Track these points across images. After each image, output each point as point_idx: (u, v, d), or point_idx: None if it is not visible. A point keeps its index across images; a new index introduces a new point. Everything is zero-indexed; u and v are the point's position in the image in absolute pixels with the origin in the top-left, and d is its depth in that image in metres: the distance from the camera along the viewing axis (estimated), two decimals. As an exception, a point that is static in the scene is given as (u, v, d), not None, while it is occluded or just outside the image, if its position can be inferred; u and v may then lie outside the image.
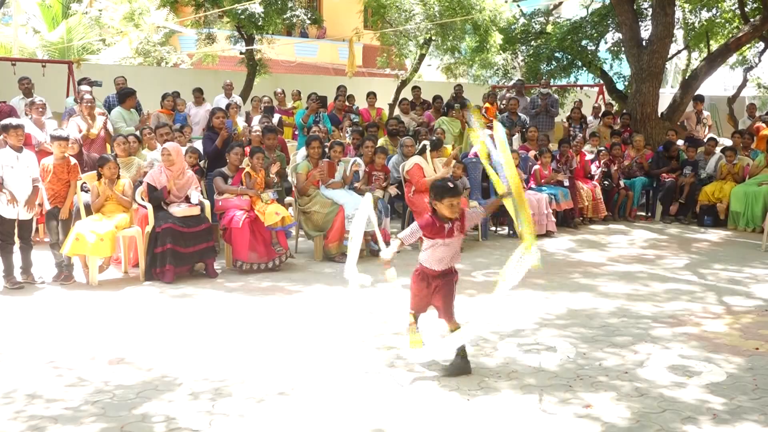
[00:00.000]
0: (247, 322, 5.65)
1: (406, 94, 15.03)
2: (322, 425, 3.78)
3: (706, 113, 13.83)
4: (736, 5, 14.94)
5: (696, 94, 13.57)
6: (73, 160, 7.12)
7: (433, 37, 16.99)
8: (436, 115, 12.50)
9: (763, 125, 12.39)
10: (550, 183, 10.17)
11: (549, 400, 4.13)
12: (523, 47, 16.91)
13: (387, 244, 8.22)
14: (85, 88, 10.24)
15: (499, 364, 4.70)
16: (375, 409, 3.97)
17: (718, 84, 21.78)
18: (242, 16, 14.40)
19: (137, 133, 8.87)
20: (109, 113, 9.86)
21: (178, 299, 6.33)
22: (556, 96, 14.46)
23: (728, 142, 11.86)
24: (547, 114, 13.07)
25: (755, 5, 14.71)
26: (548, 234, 9.51)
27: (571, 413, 3.95)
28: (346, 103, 12.55)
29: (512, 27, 17.06)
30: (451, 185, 4.37)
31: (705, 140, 11.80)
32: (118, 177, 7.15)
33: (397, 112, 13.03)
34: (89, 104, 9.00)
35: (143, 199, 7.25)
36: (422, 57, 17.81)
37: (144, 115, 10.15)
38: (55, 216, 6.92)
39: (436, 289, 4.50)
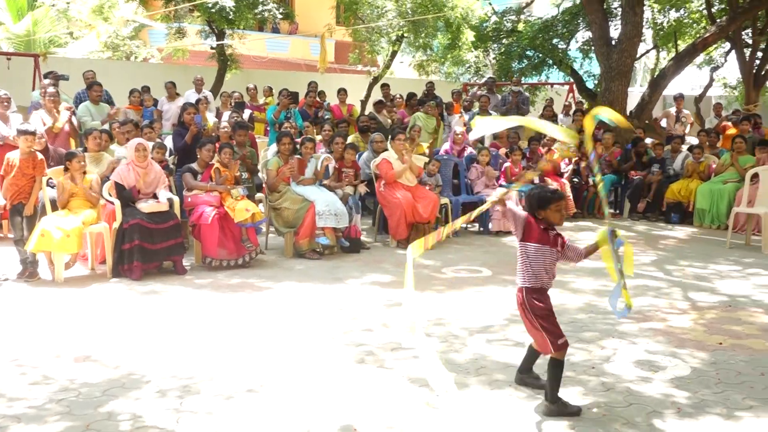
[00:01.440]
0: (216, 319, 5.60)
1: (378, 90, 14.99)
2: (291, 422, 3.76)
3: (686, 111, 14.01)
4: (704, 6, 15.19)
5: (677, 93, 13.75)
6: (40, 155, 6.99)
7: (405, 34, 17.01)
8: (410, 112, 12.50)
9: (729, 124, 12.60)
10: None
11: (517, 395, 4.16)
12: (495, 45, 17.01)
13: (358, 240, 8.31)
14: (48, 81, 10.06)
15: (468, 360, 4.72)
16: (344, 406, 3.97)
17: (686, 83, 22.06)
18: (213, 11, 14.27)
19: (107, 128, 8.76)
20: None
21: (146, 296, 6.26)
22: (527, 94, 14.58)
23: (695, 141, 12.04)
24: (517, 111, 13.16)
25: (722, 6, 14.97)
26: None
27: (540, 408, 3.98)
28: (318, 99, 12.49)
29: (484, 25, 17.15)
30: (554, 190, 4.07)
31: (686, 138, 11.94)
32: (85, 172, 7.03)
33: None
34: (53, 98, 8.84)
35: (110, 195, 7.14)
36: (394, 54, 17.82)
37: (113, 109, 10.00)
38: (19, 212, 6.79)
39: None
